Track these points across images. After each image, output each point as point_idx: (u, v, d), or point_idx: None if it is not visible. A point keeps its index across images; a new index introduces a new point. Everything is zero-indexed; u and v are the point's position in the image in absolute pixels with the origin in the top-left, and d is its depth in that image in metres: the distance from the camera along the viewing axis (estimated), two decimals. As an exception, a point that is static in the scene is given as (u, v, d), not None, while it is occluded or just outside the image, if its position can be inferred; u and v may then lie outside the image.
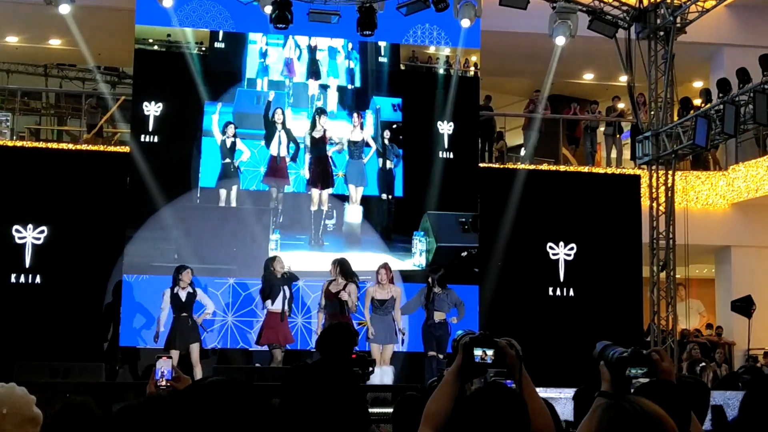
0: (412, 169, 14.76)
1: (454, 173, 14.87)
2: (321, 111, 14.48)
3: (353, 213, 14.47)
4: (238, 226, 14.22)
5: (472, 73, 15.54)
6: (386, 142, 14.61)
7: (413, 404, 4.01)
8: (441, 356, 12.98)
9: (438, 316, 13.16)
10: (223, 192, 14.26)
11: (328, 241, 14.38)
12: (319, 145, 14.42)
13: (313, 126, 14.42)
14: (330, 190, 14.42)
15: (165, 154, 14.26)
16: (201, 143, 14.36)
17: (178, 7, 14.16)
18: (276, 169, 14.30)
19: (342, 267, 12.56)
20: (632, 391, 3.12)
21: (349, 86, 14.92)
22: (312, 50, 14.83)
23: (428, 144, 14.91)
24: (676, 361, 14.28)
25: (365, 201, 14.49)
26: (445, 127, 14.97)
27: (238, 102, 14.55)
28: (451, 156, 14.96)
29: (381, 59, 15.05)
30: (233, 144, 14.22)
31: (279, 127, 14.32)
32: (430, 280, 13.30)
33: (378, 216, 14.58)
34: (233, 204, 14.21)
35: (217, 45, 14.70)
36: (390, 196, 14.58)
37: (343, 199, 14.47)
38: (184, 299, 12.47)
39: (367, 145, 14.60)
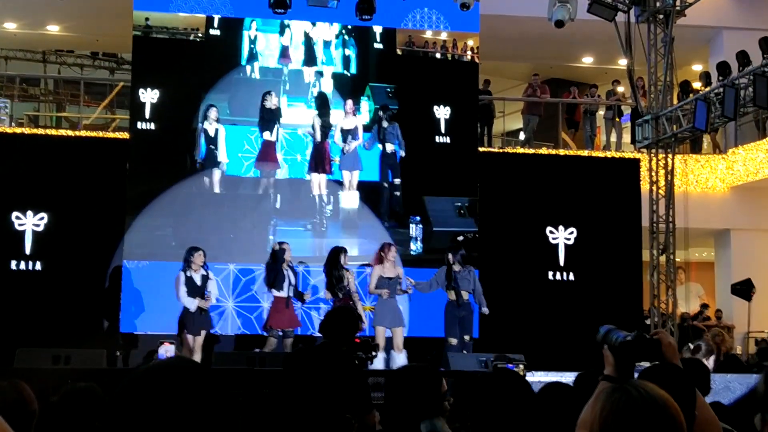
0: (409, 155, 14.72)
1: (452, 158, 14.84)
2: (324, 98, 14.44)
3: (348, 199, 14.45)
4: (237, 213, 14.20)
5: (469, 57, 15.50)
6: (384, 124, 14.53)
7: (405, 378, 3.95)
8: (467, 338, 12.93)
9: (464, 295, 13.07)
10: (206, 179, 14.18)
11: (326, 227, 14.39)
12: (316, 132, 14.35)
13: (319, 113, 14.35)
14: (325, 176, 14.39)
15: (162, 142, 14.22)
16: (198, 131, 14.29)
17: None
18: (267, 154, 14.27)
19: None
20: (636, 375, 3.13)
21: (345, 73, 14.85)
22: (307, 36, 14.78)
23: (424, 129, 14.88)
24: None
25: (364, 186, 14.46)
26: (442, 112, 14.94)
27: (233, 89, 14.47)
28: (448, 140, 14.93)
29: (376, 45, 14.99)
30: (216, 131, 14.14)
31: (277, 113, 14.30)
32: (450, 257, 13.18)
33: (378, 201, 14.55)
34: (216, 190, 14.16)
35: (212, 32, 14.64)
36: (395, 181, 14.54)
37: (339, 185, 14.45)
38: (199, 283, 12.39)
39: (365, 130, 14.52)
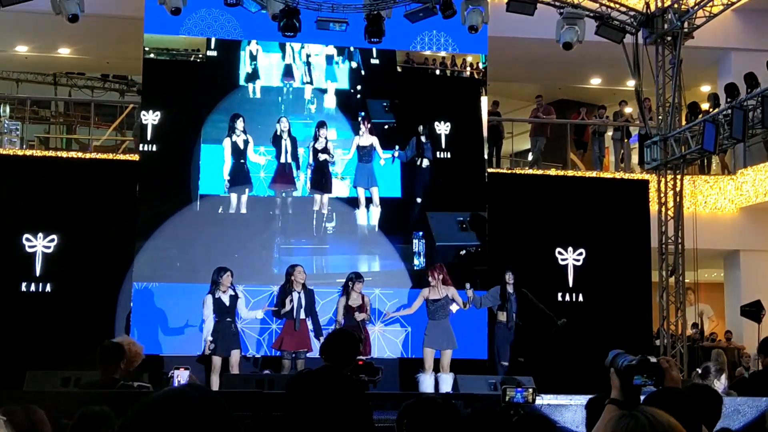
0: (409, 170, 14.81)
1: (454, 173, 14.92)
2: (322, 123, 14.56)
3: (363, 216, 14.54)
4: (244, 233, 14.25)
5: (468, 73, 15.57)
6: (423, 139, 14.76)
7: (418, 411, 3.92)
8: (521, 360, 12.99)
9: (516, 318, 13.13)
10: (234, 197, 14.24)
11: (329, 245, 14.45)
12: (318, 155, 14.49)
13: (315, 138, 14.47)
14: (329, 195, 14.50)
15: (163, 163, 14.31)
16: (200, 151, 14.36)
17: (187, 16, 14.20)
18: (283, 176, 14.37)
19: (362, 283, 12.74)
20: (642, 399, 3.15)
21: (347, 89, 14.93)
22: (308, 55, 14.89)
23: (414, 147, 14.96)
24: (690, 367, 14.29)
25: (384, 203, 14.61)
26: (442, 128, 15.02)
27: (235, 109, 14.53)
28: (449, 156, 15.00)
29: (373, 60, 15.06)
30: (246, 142, 14.22)
31: (285, 135, 14.39)
32: (507, 276, 13.21)
33: (403, 217, 14.67)
34: (243, 210, 14.23)
35: (209, 53, 14.74)
36: (417, 199, 14.69)
37: (353, 203, 14.54)
38: (228, 303, 12.44)
39: (375, 148, 14.65)
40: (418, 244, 14.60)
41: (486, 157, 15.33)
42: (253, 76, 14.75)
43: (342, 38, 14.18)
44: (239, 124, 14.25)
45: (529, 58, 17.90)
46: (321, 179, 14.49)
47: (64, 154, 15.33)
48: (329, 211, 14.45)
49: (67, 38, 17.79)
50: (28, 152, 15.14)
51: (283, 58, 14.83)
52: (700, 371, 10.31)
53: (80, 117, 20.11)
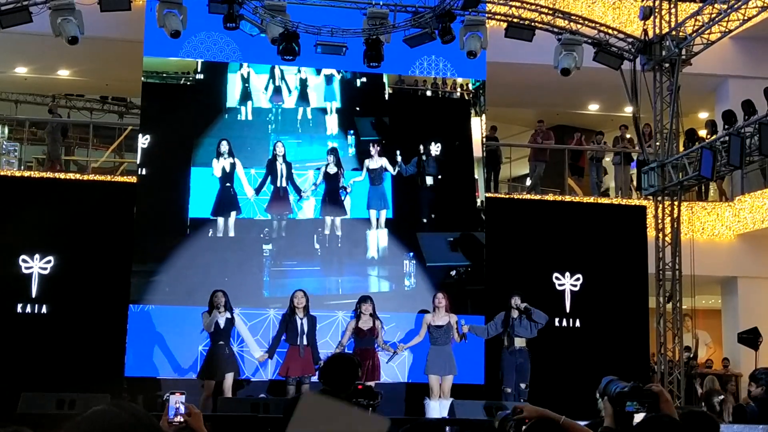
0: (401, 190, 14.85)
1: (444, 194, 14.99)
2: (334, 150, 14.61)
3: (375, 238, 14.59)
4: (235, 256, 14.25)
5: (458, 95, 15.61)
6: (424, 158, 14.82)
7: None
8: (523, 385, 12.93)
9: (519, 342, 13.10)
10: (220, 220, 14.25)
11: (345, 267, 14.48)
12: (331, 180, 14.58)
13: (327, 164, 14.54)
14: (341, 218, 14.53)
15: (158, 186, 14.35)
16: (191, 174, 14.37)
17: (186, 39, 14.25)
18: (278, 200, 14.40)
19: (374, 306, 12.68)
20: (635, 425, 3.14)
21: (338, 108, 14.96)
22: (299, 77, 14.93)
23: (415, 165, 15.01)
24: (688, 394, 14.24)
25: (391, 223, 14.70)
26: (433, 148, 15.06)
27: (224, 132, 14.57)
28: (440, 177, 15.03)
29: (363, 80, 15.12)
30: (232, 165, 14.25)
31: (281, 160, 14.42)
32: (513, 303, 13.21)
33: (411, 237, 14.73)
34: (231, 234, 14.21)
35: (198, 76, 14.78)
36: (426, 219, 14.84)
37: (365, 224, 14.57)
38: (222, 326, 12.37)
39: (386, 169, 14.71)
40: (409, 265, 14.61)
41: (476, 177, 15.34)
42: (244, 98, 14.78)
43: (339, 62, 14.21)
44: (224, 147, 14.30)
45: (527, 84, 17.95)
46: (332, 202, 14.54)
47: (62, 176, 15.31)
48: (335, 233, 14.47)
49: (67, 60, 17.82)
50: (26, 173, 15.13)
51: (273, 79, 14.88)
52: (718, 407, 10.23)
53: (79, 139, 20.12)
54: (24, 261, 13.79)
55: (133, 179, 14.60)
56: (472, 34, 13.62)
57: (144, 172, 14.37)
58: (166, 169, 14.45)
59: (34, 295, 13.75)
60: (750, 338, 15.38)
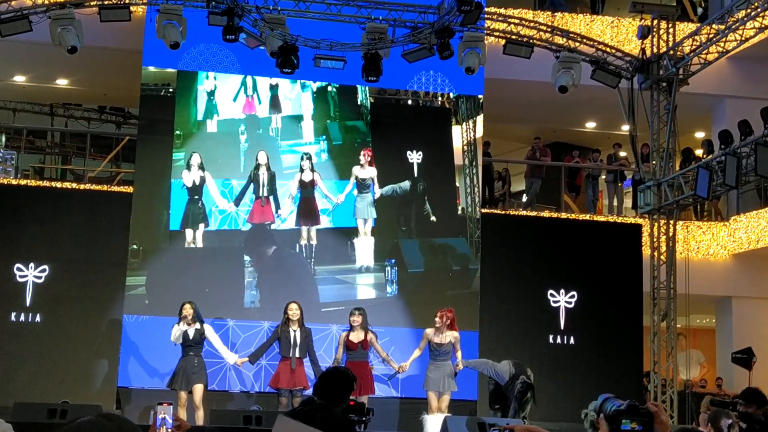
0: (383, 198, 14.89)
1: (428, 201, 15.05)
2: (308, 156, 14.63)
3: (361, 246, 14.61)
4: (224, 267, 14.27)
5: (439, 103, 15.64)
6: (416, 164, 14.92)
7: None
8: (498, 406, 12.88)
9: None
10: (188, 232, 14.28)
11: (322, 276, 14.47)
12: (307, 188, 14.63)
13: (302, 170, 14.55)
14: (317, 227, 14.56)
15: (149, 197, 14.40)
16: (171, 186, 14.40)
17: (186, 50, 14.28)
18: (260, 210, 14.43)
19: (364, 317, 12.56)
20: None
21: (312, 115, 14.99)
22: (274, 87, 14.93)
23: (398, 173, 15.06)
24: (687, 413, 14.23)
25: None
26: (415, 157, 15.08)
27: (194, 145, 14.60)
28: (422, 185, 15.09)
29: (342, 88, 15.15)
30: (202, 179, 14.28)
31: (264, 170, 14.43)
32: (528, 376, 12.90)
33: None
34: (200, 245, 14.25)
35: (170, 88, 14.78)
36: (405, 227, 14.88)
37: (351, 233, 14.59)
38: (191, 336, 12.26)
39: (373, 182, 14.75)
40: (390, 272, 14.62)
41: (457, 185, 15.39)
42: (211, 111, 14.78)
43: (336, 75, 14.24)
44: (194, 160, 14.33)
45: (524, 101, 18.00)
46: (308, 211, 14.55)
47: (59, 185, 15.31)
48: (310, 243, 14.51)
49: (66, 69, 17.84)
50: (23, 182, 15.12)
51: (245, 89, 14.89)
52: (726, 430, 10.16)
53: (76, 148, 20.12)
54: (19, 269, 13.77)
55: (130, 189, 14.60)
56: (470, 50, 13.65)
57: (138, 183, 14.42)
58: (155, 180, 14.49)
59: (28, 304, 13.72)
60: (744, 358, 15.40)
